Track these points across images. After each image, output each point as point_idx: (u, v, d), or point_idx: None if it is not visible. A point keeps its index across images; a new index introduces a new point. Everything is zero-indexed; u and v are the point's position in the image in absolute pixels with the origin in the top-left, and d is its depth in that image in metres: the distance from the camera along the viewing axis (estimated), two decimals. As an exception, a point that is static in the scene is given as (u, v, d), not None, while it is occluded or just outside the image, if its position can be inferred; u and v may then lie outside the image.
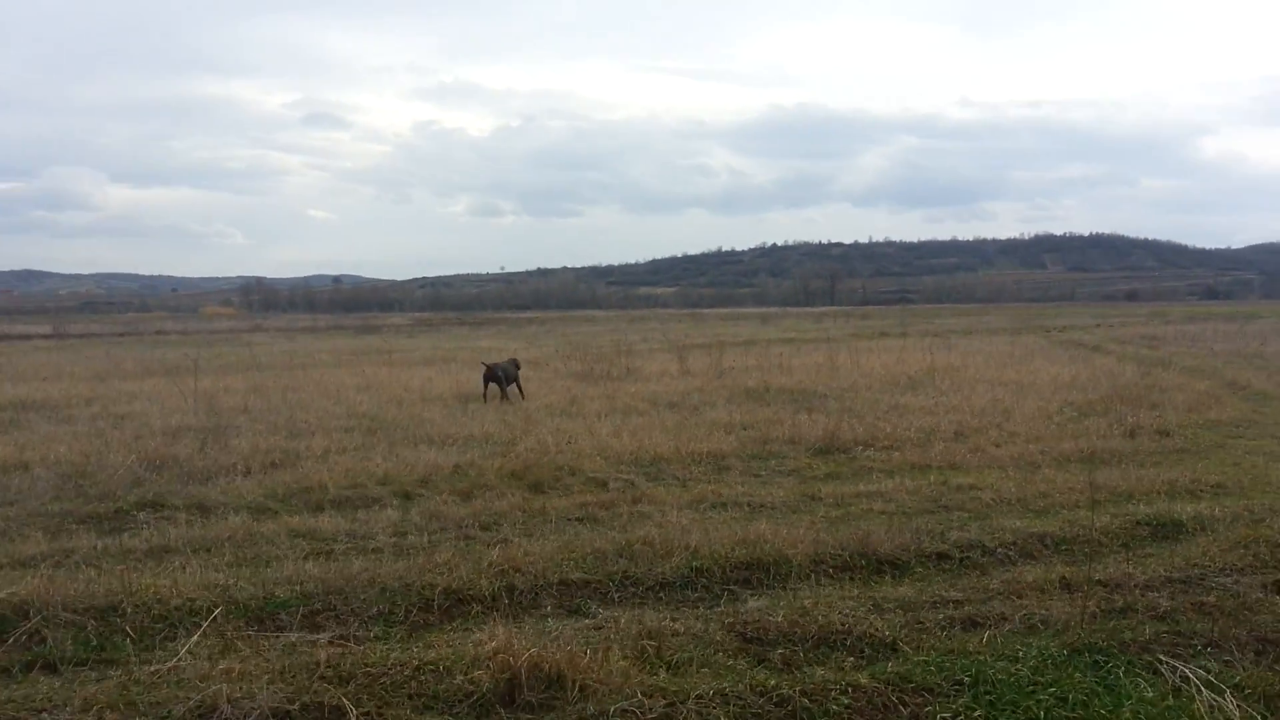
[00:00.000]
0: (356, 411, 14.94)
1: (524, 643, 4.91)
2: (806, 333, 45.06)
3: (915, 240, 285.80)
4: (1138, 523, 8.43)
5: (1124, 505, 9.03)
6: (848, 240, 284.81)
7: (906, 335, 40.07)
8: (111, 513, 8.82)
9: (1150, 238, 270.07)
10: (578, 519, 8.65)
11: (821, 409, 15.21)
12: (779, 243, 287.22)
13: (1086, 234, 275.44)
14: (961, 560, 7.62)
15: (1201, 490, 9.78)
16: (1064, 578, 6.91)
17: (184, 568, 6.83)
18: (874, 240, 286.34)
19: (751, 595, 6.78)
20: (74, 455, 11.02)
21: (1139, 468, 10.86)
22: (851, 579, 7.19)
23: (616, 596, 6.62)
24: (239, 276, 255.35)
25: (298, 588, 6.29)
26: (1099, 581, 6.87)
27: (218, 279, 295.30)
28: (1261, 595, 6.64)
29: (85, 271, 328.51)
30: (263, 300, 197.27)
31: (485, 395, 17.30)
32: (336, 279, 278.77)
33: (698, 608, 6.39)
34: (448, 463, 10.73)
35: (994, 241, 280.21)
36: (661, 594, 6.74)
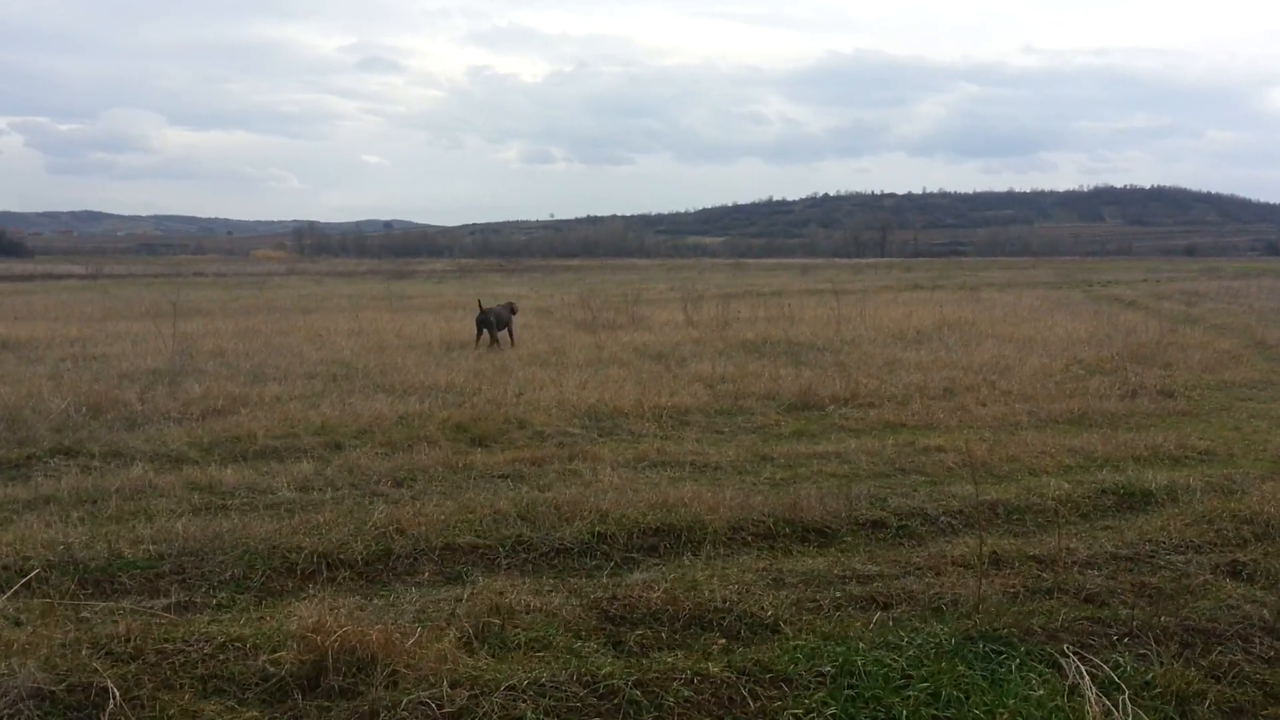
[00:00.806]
0: (332, 358, 14.57)
1: (338, 620, 4.45)
2: (842, 284, 44.07)
3: (970, 191, 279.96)
4: (1102, 491, 7.82)
5: (1095, 472, 8.41)
6: (901, 191, 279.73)
7: (938, 288, 39.02)
8: (24, 458, 8.51)
9: (1213, 191, 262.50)
10: (502, 476, 8.19)
11: (813, 363, 14.62)
12: (830, 193, 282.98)
13: (1148, 187, 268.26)
14: (898, 529, 7.07)
15: (1187, 457, 9.11)
16: (996, 552, 6.35)
17: (43, 521, 6.45)
18: (928, 191, 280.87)
19: (655, 564, 6.30)
20: (16, 397, 10.74)
21: (1128, 431, 10.18)
22: (770, 548, 6.67)
23: (505, 563, 6.15)
24: (293, 220, 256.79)
25: (151, 547, 5.89)
26: (1032, 557, 6.30)
27: (272, 223, 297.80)
28: (1210, 577, 6.02)
29: (144, 214, 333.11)
30: (314, 244, 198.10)
31: (477, 341, 16.87)
32: (388, 224, 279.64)
33: (585, 577, 5.92)
34: (394, 413, 10.33)
35: (1051, 193, 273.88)
36: (555, 561, 6.27)
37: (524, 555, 6.27)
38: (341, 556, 5.98)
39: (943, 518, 7.25)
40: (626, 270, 72.51)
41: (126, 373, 12.86)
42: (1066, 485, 7.88)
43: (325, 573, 5.86)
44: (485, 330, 16.86)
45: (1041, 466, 8.67)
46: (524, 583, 5.67)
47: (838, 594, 5.60)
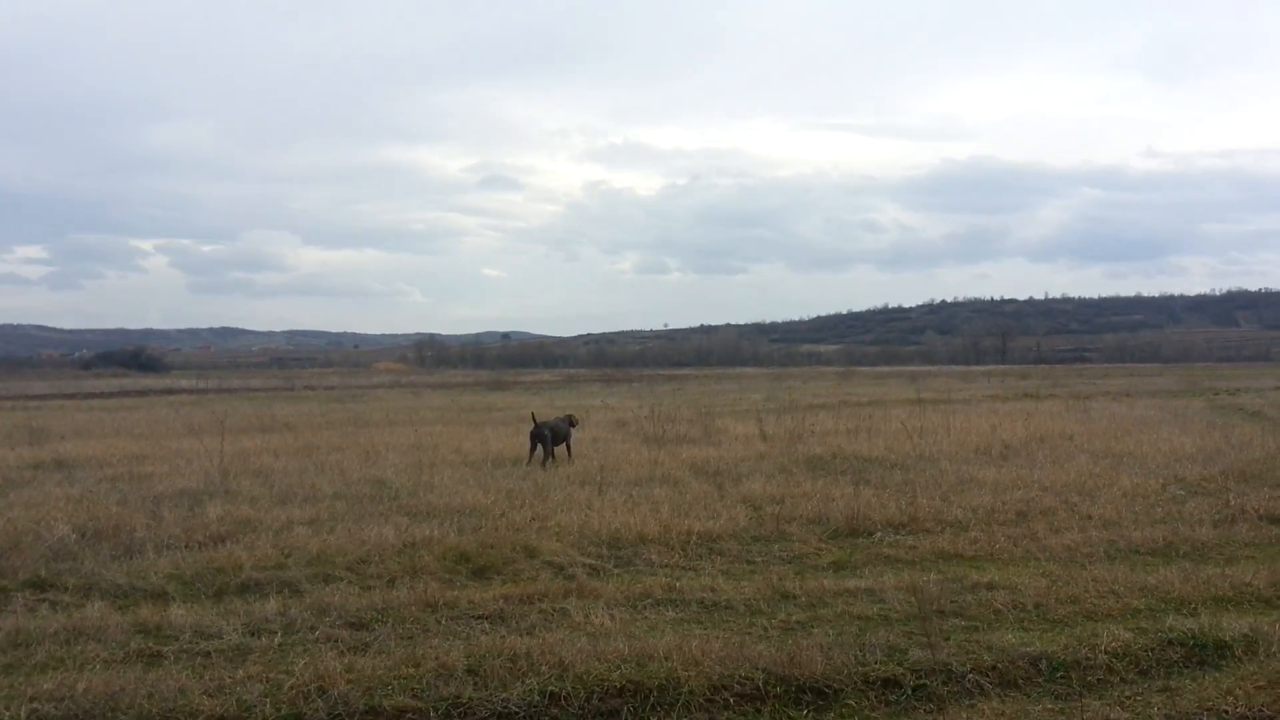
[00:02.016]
0: (372, 477, 14.11)
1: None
2: (950, 392, 42.45)
3: (1096, 296, 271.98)
4: (1169, 641, 6.66)
5: (1165, 617, 7.20)
6: (1022, 297, 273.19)
7: (1039, 397, 37.15)
8: (-5, 592, 8.10)
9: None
10: (482, 617, 7.41)
11: (877, 481, 13.53)
12: (948, 299, 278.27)
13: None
14: (914, 690, 6.06)
15: (1279, 598, 7.81)
16: (1016, 728, 5.30)
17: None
18: (1050, 296, 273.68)
19: (610, 733, 5.44)
20: (25, 521, 10.46)
21: (1217, 565, 8.87)
22: (755, 713, 5.75)
23: (434, 730, 5.37)
24: (416, 333, 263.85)
25: (38, 707, 5.28)
26: (1060, 735, 5.23)
27: (396, 335, 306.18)
28: (1278, 764, 4.88)
29: (278, 329, 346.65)
30: (435, 356, 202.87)
31: (530, 457, 16.25)
32: (506, 335, 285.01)
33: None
34: (399, 540, 9.68)
35: (1182, 298, 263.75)
36: (493, 728, 5.46)
37: (458, 720, 5.47)
38: (244, 725, 5.28)
39: (970, 675, 6.20)
40: (732, 379, 71.76)
41: (158, 493, 12.57)
42: (1127, 634, 6.75)
43: (221, 743, 5.17)
44: (540, 445, 16.23)
45: (1104, 609, 7.50)
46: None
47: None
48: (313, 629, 7.01)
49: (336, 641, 6.70)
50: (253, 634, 6.92)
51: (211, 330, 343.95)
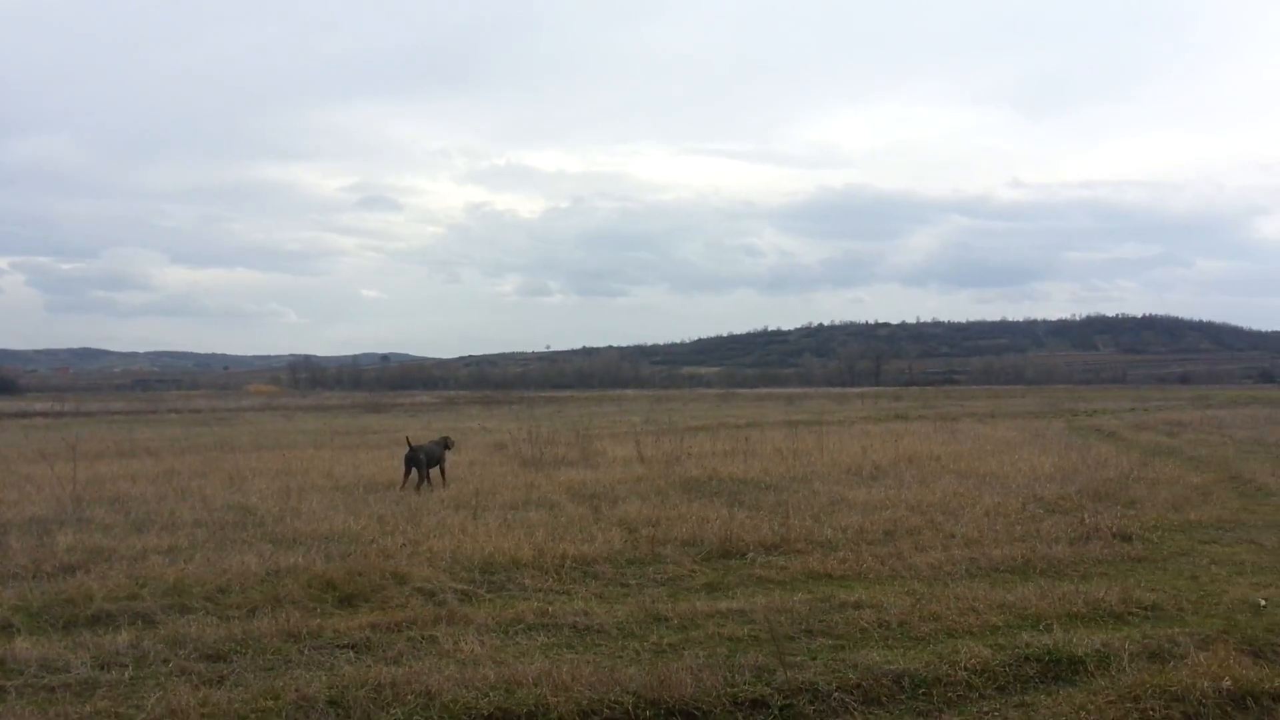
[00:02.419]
0: (236, 503, 13.65)
1: None
2: (825, 414, 43.29)
3: (964, 320, 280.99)
4: (1026, 658, 6.86)
5: (1022, 633, 7.41)
6: (895, 320, 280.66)
7: (909, 418, 38.22)
8: None
9: (1205, 319, 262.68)
10: (347, 646, 7.21)
11: (751, 503, 13.70)
12: (825, 322, 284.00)
13: (1140, 315, 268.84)
14: (782, 710, 6.11)
15: (1130, 613, 8.12)
16: (876, 746, 5.39)
17: None
18: (921, 320, 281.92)
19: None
20: None
21: (1072, 581, 9.19)
22: (624, 737, 5.71)
23: (292, 765, 5.19)
24: (291, 355, 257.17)
25: None
26: (917, 751, 5.34)
27: (270, 357, 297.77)
28: (1122, 778, 5.06)
29: (141, 350, 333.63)
30: (309, 378, 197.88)
31: (404, 481, 15.95)
32: (385, 357, 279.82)
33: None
34: (262, 568, 9.38)
35: (1044, 322, 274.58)
36: (354, 761, 5.31)
37: (318, 754, 5.30)
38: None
39: (836, 694, 6.29)
40: (613, 401, 71.88)
41: (5, 521, 11.95)
42: (986, 651, 6.93)
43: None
44: (415, 469, 15.96)
45: (964, 626, 7.70)
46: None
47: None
48: (166, 662, 6.72)
49: (191, 674, 6.43)
50: (102, 667, 6.59)
51: (71, 351, 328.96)
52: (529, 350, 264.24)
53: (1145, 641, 7.13)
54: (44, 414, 48.88)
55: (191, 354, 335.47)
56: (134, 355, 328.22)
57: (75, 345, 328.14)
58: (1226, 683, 6.10)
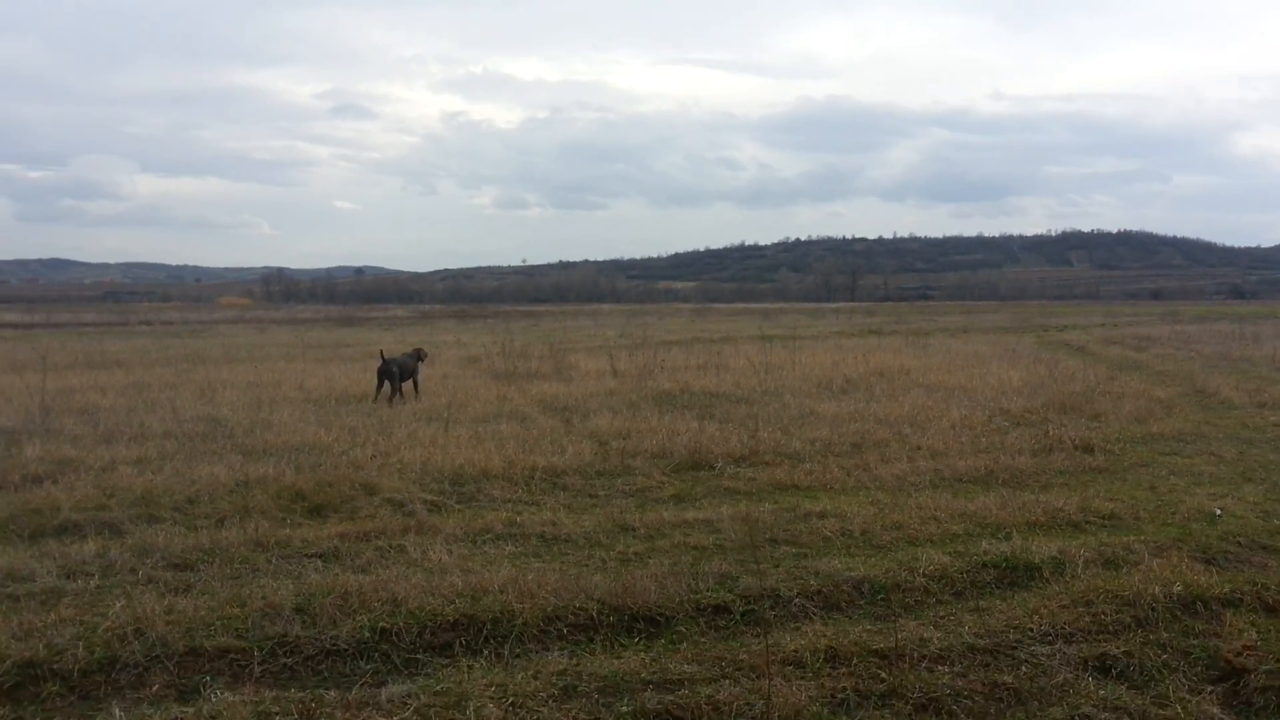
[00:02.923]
0: (207, 414, 13.61)
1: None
2: (800, 329, 43.38)
3: (940, 236, 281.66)
4: (983, 565, 7.01)
5: (981, 541, 7.55)
6: (872, 236, 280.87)
7: (883, 334, 38.40)
8: None
9: (1179, 235, 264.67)
10: (315, 555, 7.26)
11: (722, 416, 13.80)
12: (802, 237, 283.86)
13: (1115, 231, 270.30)
14: (743, 615, 6.23)
15: (1088, 522, 8.29)
16: (833, 648, 5.51)
17: None
18: (898, 236, 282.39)
19: (443, 666, 5.42)
20: None
21: (1033, 491, 9.34)
22: (587, 642, 5.81)
23: (259, 671, 5.24)
24: (264, 267, 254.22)
25: None
26: (875, 651, 5.46)
27: (243, 269, 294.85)
28: (1072, 675, 5.21)
29: (112, 261, 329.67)
30: (283, 291, 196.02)
31: (376, 393, 15.93)
32: (359, 270, 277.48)
33: (339, 688, 5.03)
34: (231, 479, 9.39)
35: (1020, 238, 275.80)
36: (321, 666, 5.37)
37: (285, 660, 5.37)
38: (54, 666, 5.07)
39: (797, 600, 6.41)
40: (589, 316, 71.66)
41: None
42: (945, 558, 7.07)
43: (30, 687, 4.95)
44: (388, 381, 15.93)
45: (925, 535, 7.85)
46: (266, 697, 4.80)
47: (626, 709, 4.75)
48: (133, 571, 6.75)
49: (158, 583, 6.47)
50: (68, 577, 6.62)
51: (40, 262, 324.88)
52: (505, 264, 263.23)
53: (1101, 549, 7.29)
54: (13, 325, 48.37)
55: (163, 265, 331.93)
56: (105, 266, 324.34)
57: (45, 256, 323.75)
58: (1177, 588, 6.25)
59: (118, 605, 5.68)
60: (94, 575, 6.62)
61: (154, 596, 6.00)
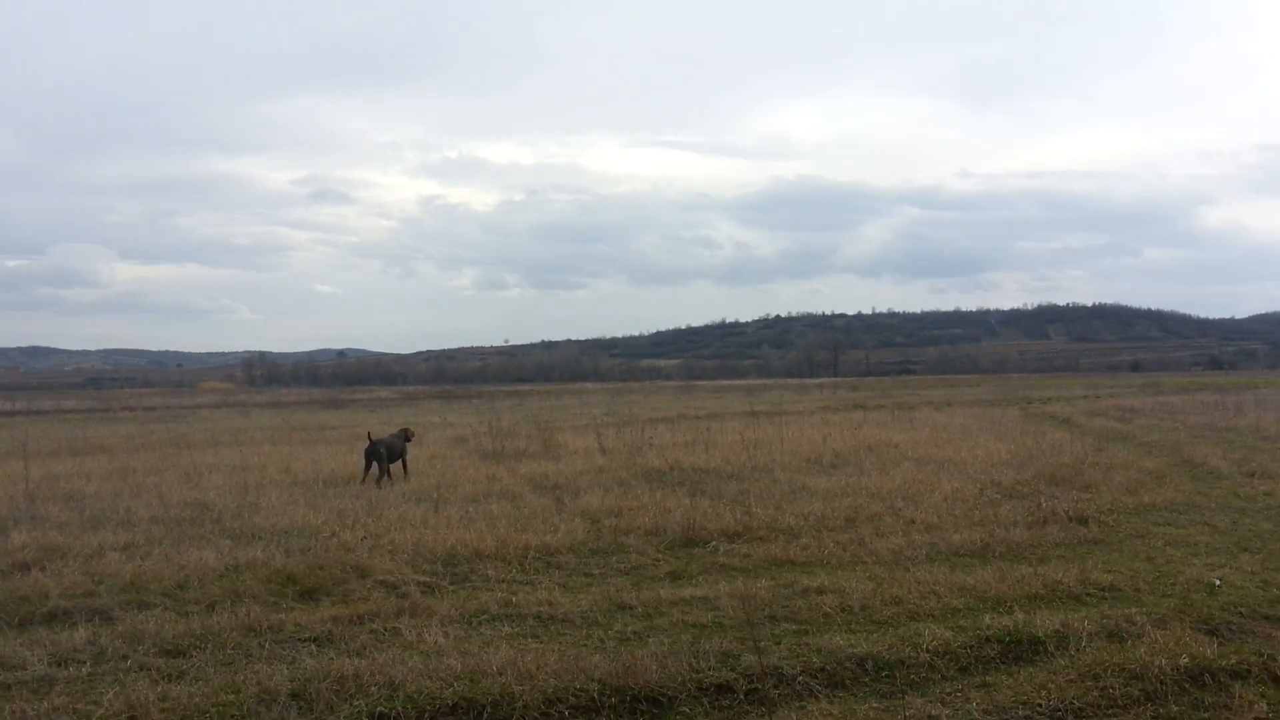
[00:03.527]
0: (193, 499, 13.47)
1: None
2: (784, 405, 43.46)
3: (919, 311, 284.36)
4: (986, 639, 6.93)
5: (982, 615, 7.49)
6: (851, 311, 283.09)
7: (868, 408, 38.49)
8: None
9: (1154, 307, 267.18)
10: (309, 640, 7.14)
11: (713, 492, 13.75)
12: (783, 314, 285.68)
13: (1090, 304, 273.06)
14: (747, 694, 6.13)
15: (1089, 594, 8.24)
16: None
17: None
18: (877, 311, 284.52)
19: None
20: None
21: (1031, 564, 9.31)
22: (589, 724, 5.70)
23: (256, 757, 5.13)
24: (245, 351, 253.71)
25: None
26: (882, 732, 5.38)
27: (224, 354, 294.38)
28: (1082, 754, 5.13)
29: (93, 348, 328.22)
30: (265, 375, 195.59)
31: (364, 475, 15.82)
32: (341, 353, 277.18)
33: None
34: (221, 563, 9.27)
35: (997, 312, 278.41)
36: (318, 753, 5.26)
37: (281, 747, 5.25)
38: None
39: (800, 678, 6.32)
40: (573, 395, 71.71)
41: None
42: (947, 633, 7.00)
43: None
44: (375, 462, 15.84)
45: (926, 609, 7.77)
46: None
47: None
48: (125, 658, 6.62)
49: (150, 670, 6.34)
50: (60, 664, 6.48)
51: (20, 350, 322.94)
52: (487, 344, 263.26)
53: (1103, 621, 7.23)
54: (-9, 413, 48.05)
55: (144, 351, 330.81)
56: (85, 353, 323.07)
57: (24, 344, 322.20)
58: (1184, 660, 6.20)
59: (110, 693, 5.56)
60: (85, 663, 6.49)
61: (147, 684, 5.88)
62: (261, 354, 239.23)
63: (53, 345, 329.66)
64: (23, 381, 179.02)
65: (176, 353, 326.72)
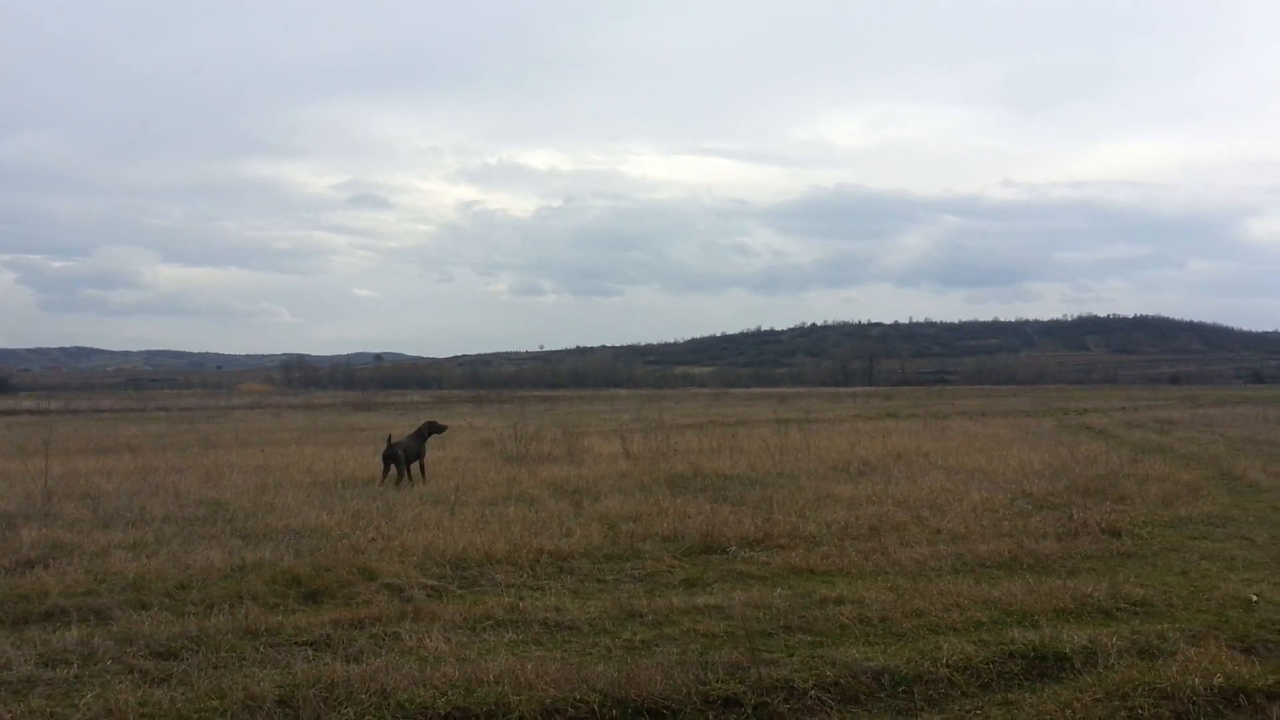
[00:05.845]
0: (209, 498, 13.37)
1: None
2: (816, 413, 43.01)
3: (956, 320, 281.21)
4: (1010, 654, 6.62)
5: (1007, 629, 7.17)
6: (887, 320, 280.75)
7: (901, 417, 37.99)
8: None
9: (1196, 320, 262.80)
10: (306, 644, 6.94)
11: (736, 498, 13.46)
12: (818, 322, 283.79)
13: (1130, 316, 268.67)
14: (754, 709, 5.85)
15: (1119, 609, 7.88)
16: (851, 747, 5.14)
17: None
18: (914, 320, 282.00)
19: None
20: None
21: (1060, 577, 8.96)
22: (585, 737, 5.45)
23: (233, 767, 4.92)
24: (284, 354, 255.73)
25: None
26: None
27: (263, 356, 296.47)
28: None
29: (134, 349, 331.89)
30: (302, 377, 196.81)
31: (384, 477, 15.67)
32: (378, 357, 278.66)
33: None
34: (227, 564, 9.10)
35: (1036, 322, 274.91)
36: (301, 762, 5.04)
37: (263, 755, 5.03)
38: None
39: (812, 692, 6.03)
40: (605, 401, 71.54)
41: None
42: (970, 647, 6.68)
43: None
44: (393, 465, 15.68)
45: (948, 622, 7.46)
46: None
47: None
48: (114, 659, 6.44)
49: (137, 672, 6.15)
50: (47, 665, 6.31)
51: (63, 350, 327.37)
52: (523, 350, 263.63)
53: (1134, 638, 6.90)
54: (30, 411, 48.49)
55: (185, 353, 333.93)
56: (127, 354, 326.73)
57: (68, 344, 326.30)
58: (1218, 679, 5.87)
59: (90, 696, 5.38)
60: (73, 664, 6.31)
61: (130, 687, 5.70)
62: (300, 357, 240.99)
63: (96, 346, 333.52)
64: (64, 382, 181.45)
65: (217, 355, 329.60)
